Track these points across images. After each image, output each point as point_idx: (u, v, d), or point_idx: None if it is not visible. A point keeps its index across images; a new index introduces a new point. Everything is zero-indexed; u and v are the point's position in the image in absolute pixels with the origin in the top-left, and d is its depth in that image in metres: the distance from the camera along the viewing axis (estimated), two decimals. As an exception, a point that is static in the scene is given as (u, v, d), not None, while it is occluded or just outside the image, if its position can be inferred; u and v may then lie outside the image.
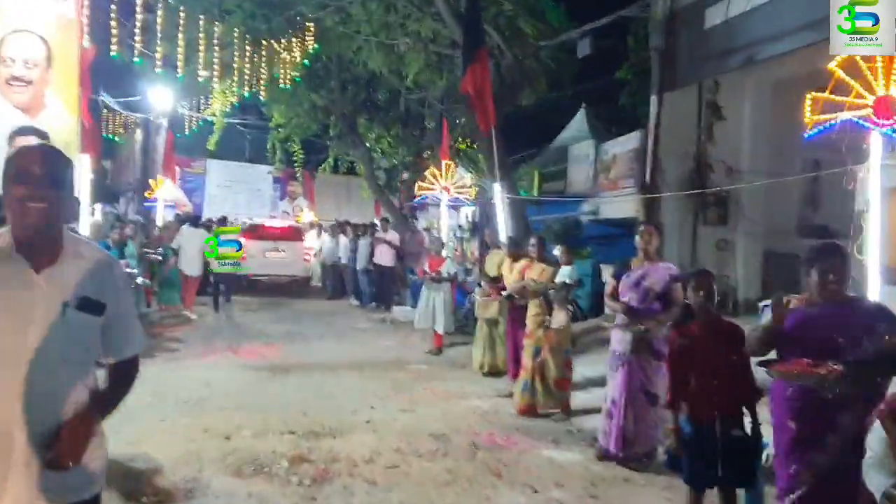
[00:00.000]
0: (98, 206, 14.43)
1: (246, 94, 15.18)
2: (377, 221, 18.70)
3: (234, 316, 14.55)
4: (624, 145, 13.04)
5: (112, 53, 8.98)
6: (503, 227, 10.22)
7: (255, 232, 18.25)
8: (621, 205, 12.98)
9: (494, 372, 9.42)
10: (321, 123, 18.49)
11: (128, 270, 10.27)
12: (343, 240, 17.81)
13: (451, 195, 13.25)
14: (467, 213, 15.10)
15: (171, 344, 10.90)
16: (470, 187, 13.48)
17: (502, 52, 10.95)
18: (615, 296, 5.90)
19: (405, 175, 18.57)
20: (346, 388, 8.49)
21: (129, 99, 20.60)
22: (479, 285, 9.84)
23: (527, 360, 7.44)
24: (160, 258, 14.15)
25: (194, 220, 16.05)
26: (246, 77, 12.45)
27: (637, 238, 5.81)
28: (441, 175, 13.21)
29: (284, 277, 18.30)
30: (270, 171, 29.50)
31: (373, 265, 16.15)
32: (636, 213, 12.09)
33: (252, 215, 24.72)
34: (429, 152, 17.42)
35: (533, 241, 7.83)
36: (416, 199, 14.47)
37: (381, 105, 18.69)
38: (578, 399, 7.74)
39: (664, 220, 11.55)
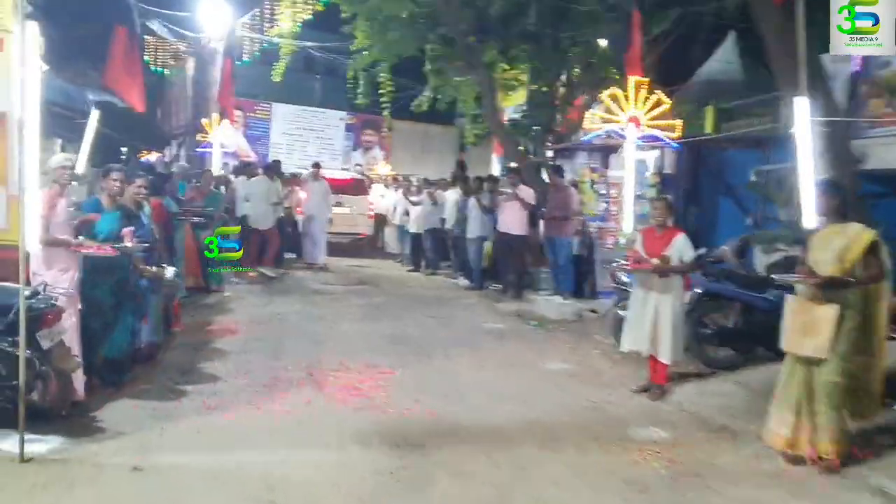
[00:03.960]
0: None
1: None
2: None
3: (306, 303, 10.29)
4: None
5: None
6: (810, 170, 5.50)
7: None
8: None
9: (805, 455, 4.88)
10: (419, 42, 13.81)
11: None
12: (451, 197, 13.31)
13: (642, 129, 8.55)
14: (645, 159, 10.30)
15: (210, 367, 6.62)
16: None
17: None
18: None
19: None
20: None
21: (178, 13, 16.29)
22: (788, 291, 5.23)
23: None
24: (200, 219, 9.96)
25: (267, 167, 13.40)
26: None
27: None
28: (628, 99, 8.53)
29: (348, 236, 16.11)
30: (343, 117, 25.87)
31: (497, 233, 11.64)
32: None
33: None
34: (565, 78, 12.63)
35: None
36: (587, 137, 9.76)
37: (495, 24, 13.87)
38: None
39: None
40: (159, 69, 20.21)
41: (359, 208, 16.72)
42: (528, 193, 11.26)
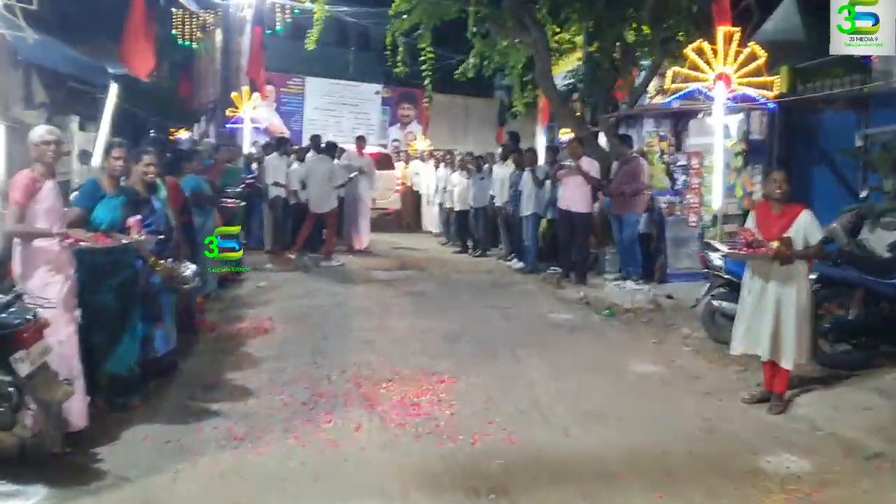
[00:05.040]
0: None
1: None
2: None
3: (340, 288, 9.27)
4: None
5: None
6: None
7: None
8: None
9: None
10: (462, 3, 12.55)
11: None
12: (501, 172, 12.16)
13: (733, 88, 7.29)
14: (727, 124, 8.93)
15: (239, 378, 5.59)
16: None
17: None
18: None
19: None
20: None
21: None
22: None
23: None
24: (237, 202, 9.01)
25: (326, 146, 12.30)
26: None
27: None
28: (716, 53, 7.26)
29: (376, 211, 15.30)
30: (379, 90, 24.71)
31: (557, 211, 10.46)
32: None
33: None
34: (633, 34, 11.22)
35: None
36: (668, 100, 8.49)
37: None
38: None
39: None
40: (187, 43, 19.23)
41: (386, 183, 16.23)
42: (592, 166, 10.03)
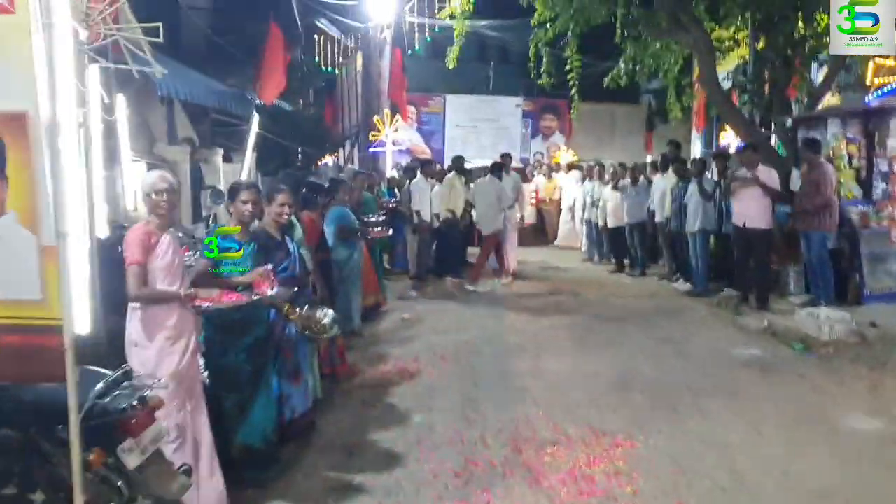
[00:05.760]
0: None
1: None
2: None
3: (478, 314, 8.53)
4: None
5: None
6: None
7: None
8: None
9: None
10: (611, 6, 11.59)
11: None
12: (661, 184, 11.07)
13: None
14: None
15: (384, 439, 4.89)
16: None
17: None
18: None
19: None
20: None
21: (343, 1, 15.14)
22: None
23: None
24: (383, 229, 8.55)
25: (493, 166, 11.71)
26: None
27: None
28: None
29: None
30: (519, 103, 24.08)
31: (732, 227, 9.25)
32: None
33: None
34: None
35: None
36: (866, 97, 7.18)
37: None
38: None
39: None
40: (330, 69, 19.38)
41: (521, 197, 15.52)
42: (770, 176, 8.79)
